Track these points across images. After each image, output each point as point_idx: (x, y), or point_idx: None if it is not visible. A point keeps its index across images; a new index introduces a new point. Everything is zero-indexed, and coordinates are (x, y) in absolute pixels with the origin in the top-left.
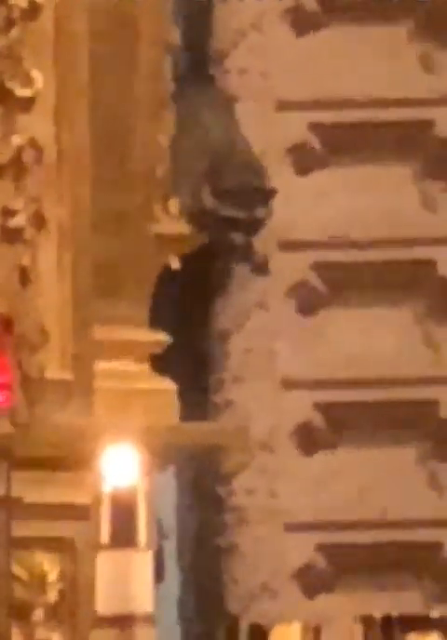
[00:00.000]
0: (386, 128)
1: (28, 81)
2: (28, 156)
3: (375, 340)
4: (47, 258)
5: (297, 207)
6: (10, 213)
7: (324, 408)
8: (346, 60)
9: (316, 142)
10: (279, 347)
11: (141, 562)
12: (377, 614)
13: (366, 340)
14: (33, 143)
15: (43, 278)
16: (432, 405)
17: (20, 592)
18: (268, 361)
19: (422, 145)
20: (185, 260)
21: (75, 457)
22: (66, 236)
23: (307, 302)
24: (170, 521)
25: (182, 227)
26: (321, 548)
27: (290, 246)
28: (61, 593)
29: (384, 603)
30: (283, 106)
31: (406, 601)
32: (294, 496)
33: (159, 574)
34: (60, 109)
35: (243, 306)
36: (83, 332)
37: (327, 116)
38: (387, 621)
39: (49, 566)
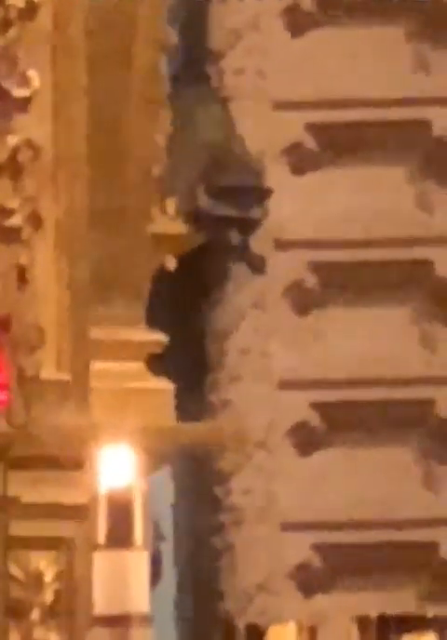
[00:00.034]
0: (382, 128)
1: (25, 81)
2: (25, 156)
3: (372, 340)
4: (44, 257)
5: (293, 207)
6: (7, 213)
7: (321, 408)
8: (343, 61)
9: (312, 142)
10: (276, 347)
11: (137, 562)
12: (373, 614)
13: (363, 340)
14: (29, 143)
15: (40, 278)
16: (429, 404)
17: (16, 591)
18: (265, 361)
19: (418, 145)
20: (182, 259)
21: (72, 457)
22: (63, 236)
23: (304, 302)
24: (167, 521)
25: (179, 227)
26: (318, 548)
27: (286, 245)
28: (58, 593)
29: (380, 603)
30: (279, 106)
31: (402, 601)
32: (291, 496)
33: (156, 574)
34: (56, 109)
35: (239, 306)
36: (80, 332)
37: (323, 116)
38: (383, 621)
39: (46, 565)
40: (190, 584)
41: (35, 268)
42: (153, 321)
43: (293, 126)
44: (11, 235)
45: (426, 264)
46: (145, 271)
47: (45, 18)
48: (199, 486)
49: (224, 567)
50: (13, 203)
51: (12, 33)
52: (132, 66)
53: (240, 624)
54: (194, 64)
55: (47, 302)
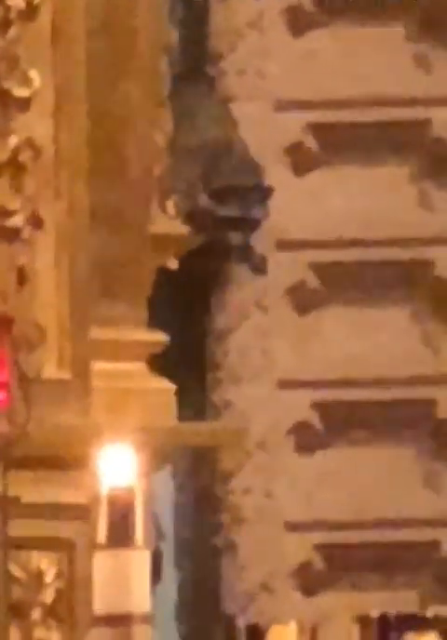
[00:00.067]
0: (383, 128)
1: (25, 81)
2: (25, 156)
3: (373, 340)
4: (45, 257)
5: (294, 207)
6: (8, 213)
7: (321, 408)
8: (344, 61)
9: (313, 142)
10: (277, 346)
11: (138, 561)
12: (374, 613)
13: (363, 340)
14: (30, 143)
15: (40, 278)
16: (430, 404)
17: (17, 591)
18: (266, 360)
19: (419, 145)
20: (183, 260)
21: (73, 456)
22: (64, 236)
23: (305, 302)
24: (168, 521)
25: (180, 227)
26: (318, 547)
27: (287, 245)
28: (59, 593)
29: (381, 602)
30: (281, 106)
31: (403, 600)
32: (292, 495)
33: (157, 574)
34: (57, 109)
35: (241, 306)
36: (80, 332)
37: (324, 116)
38: (384, 621)
39: (47, 565)
40: (191, 584)
41: (36, 268)
42: (154, 321)
43: (294, 126)
44: (12, 235)
45: (426, 264)
46: (146, 271)
47: (45, 18)
48: (200, 485)
49: (225, 567)
50: (14, 203)
51: (12, 33)
52: (133, 66)
53: (241, 624)
54: (194, 64)
55: (47, 302)
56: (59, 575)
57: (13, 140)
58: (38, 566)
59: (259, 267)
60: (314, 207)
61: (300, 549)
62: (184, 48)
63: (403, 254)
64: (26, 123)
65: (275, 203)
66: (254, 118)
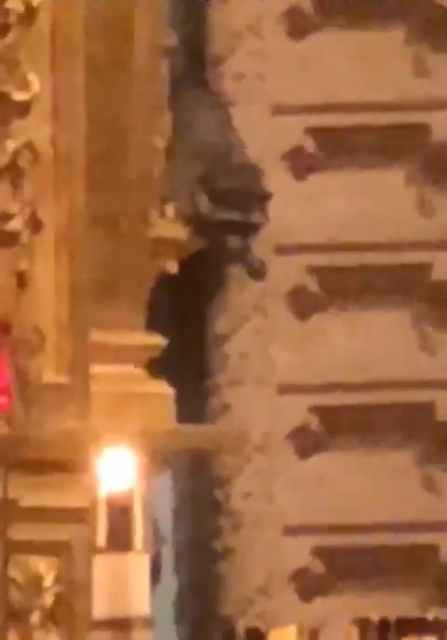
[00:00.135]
0: (381, 132)
1: (24, 85)
2: (24, 160)
3: (372, 344)
4: (44, 261)
5: (294, 211)
6: (7, 217)
7: (321, 412)
8: (343, 64)
9: (312, 146)
10: (276, 350)
11: (137, 565)
12: (374, 617)
13: (362, 344)
14: (29, 147)
15: (39, 282)
16: (428, 408)
17: (16, 595)
18: (265, 364)
19: (417, 149)
20: (182, 264)
21: (72, 460)
22: (63, 240)
23: (304, 306)
24: (167, 524)
25: (179, 231)
26: (318, 551)
27: (286, 249)
28: (58, 597)
29: (380, 606)
30: (279, 110)
31: (403, 604)
32: (291, 499)
33: (156, 578)
34: (56, 113)
35: (240, 310)
36: (80, 336)
37: (323, 120)
38: (384, 624)
39: (46, 569)
40: (190, 588)
41: (35, 272)
42: (153, 325)
43: (293, 130)
44: (11, 239)
45: (425, 268)
46: (145, 275)
47: (44, 21)
48: (199, 489)
49: (225, 571)
50: (13, 207)
51: (12, 36)
52: (132, 70)
53: (240, 628)
54: (194, 68)
55: (47, 306)
56: (58, 579)
57: (12, 144)
58: (37, 569)
59: (258, 271)
60: (313, 211)
61: (299, 552)
62: (183, 52)
63: (402, 258)
64: (25, 127)
65: (274, 207)
66: (253, 122)
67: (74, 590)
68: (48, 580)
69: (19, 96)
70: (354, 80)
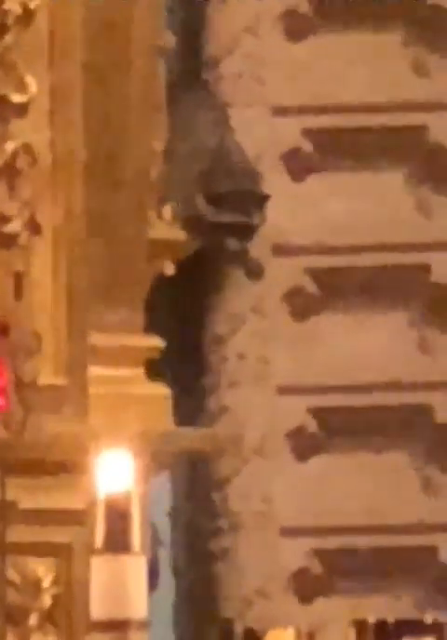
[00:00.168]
0: (379, 133)
1: (22, 86)
2: (22, 162)
3: (370, 345)
4: (42, 263)
5: (291, 213)
6: (5, 219)
7: (319, 413)
8: (341, 66)
9: (310, 148)
10: (274, 352)
11: (135, 567)
12: (371, 619)
13: (360, 345)
14: (27, 149)
15: (37, 284)
16: (426, 410)
17: (14, 597)
18: (263, 366)
19: (416, 150)
20: (180, 265)
21: (70, 462)
22: (61, 242)
23: (302, 307)
24: (165, 526)
25: (177, 233)
26: (315, 553)
27: (284, 251)
28: (56, 599)
29: (378, 607)
30: (277, 111)
31: (401, 605)
32: (288, 501)
33: (154, 580)
34: (54, 114)
35: (238, 311)
36: (77, 337)
37: (321, 122)
38: (382, 626)
39: (44, 571)
40: (188, 589)
41: (33, 274)
42: (151, 326)
43: (291, 132)
44: (9, 241)
45: (423, 269)
46: (143, 276)
47: (42, 23)
48: (197, 491)
49: (222, 572)
50: (11, 209)
51: (9, 38)
52: (130, 71)
53: (238, 629)
54: (192, 70)
55: (44, 308)
56: (56, 580)
57: (10, 146)
58: (35, 571)
59: (256, 272)
60: (311, 213)
61: (297, 554)
62: (181, 54)
63: (400, 259)
64: (23, 128)
65: (272, 208)
66: (251, 123)
67: (72, 591)
68: (46, 582)
69: (16, 98)
70: (352, 81)
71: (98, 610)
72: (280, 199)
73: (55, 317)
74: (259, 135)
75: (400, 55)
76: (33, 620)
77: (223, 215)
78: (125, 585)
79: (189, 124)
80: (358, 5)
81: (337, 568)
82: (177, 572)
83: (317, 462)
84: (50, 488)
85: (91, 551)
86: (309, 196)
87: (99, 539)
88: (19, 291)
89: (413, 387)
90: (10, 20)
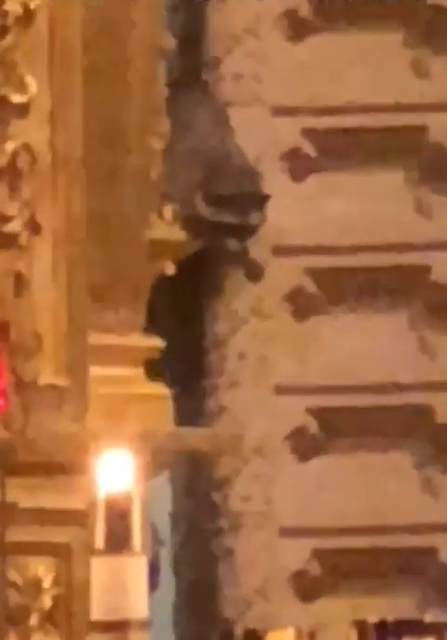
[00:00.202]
0: (379, 134)
1: (22, 87)
2: (23, 162)
3: (370, 346)
4: (42, 263)
5: (291, 213)
6: (5, 219)
7: (319, 414)
8: (340, 67)
9: (310, 148)
10: (274, 352)
11: (135, 567)
12: (372, 619)
13: (361, 346)
14: (27, 149)
15: (38, 284)
16: (427, 410)
17: (15, 597)
18: (263, 366)
19: (415, 151)
20: (180, 265)
21: (70, 462)
22: (61, 242)
23: (302, 308)
24: (165, 526)
25: (177, 233)
26: (316, 553)
27: (284, 251)
28: (56, 599)
29: (379, 608)
30: (277, 112)
31: (401, 606)
32: (289, 501)
33: (154, 580)
34: (54, 114)
35: (238, 312)
36: (78, 338)
37: (321, 122)
38: (382, 626)
39: (44, 571)
40: (188, 590)
41: (33, 274)
42: (151, 327)
43: (291, 132)
44: (9, 241)
45: (423, 269)
46: (143, 277)
47: (42, 24)
48: (198, 491)
49: (223, 573)
50: (11, 209)
51: (9, 39)
52: (130, 72)
53: (239, 630)
54: (192, 70)
55: (45, 308)
56: (56, 581)
57: (10, 146)
58: (36, 571)
59: (256, 273)
60: (311, 213)
61: (297, 555)
62: (181, 54)
63: (400, 259)
64: (23, 128)
65: (272, 208)
66: (251, 124)
67: (73, 592)
68: (47, 582)
69: (16, 98)
70: (352, 82)
71: (98, 610)
72: (280, 199)
73: (55, 317)
74: (259, 135)
75: (400, 55)
76: (33, 620)
77: (224, 215)
78: (125, 585)
79: (189, 124)
80: (358, 5)
81: (338, 569)
82: (177, 572)
83: (317, 463)
84: (50, 489)
85: (92, 551)
86: (309, 196)
87: (99, 539)
88: (19, 291)
89: (414, 387)
90: (10, 21)
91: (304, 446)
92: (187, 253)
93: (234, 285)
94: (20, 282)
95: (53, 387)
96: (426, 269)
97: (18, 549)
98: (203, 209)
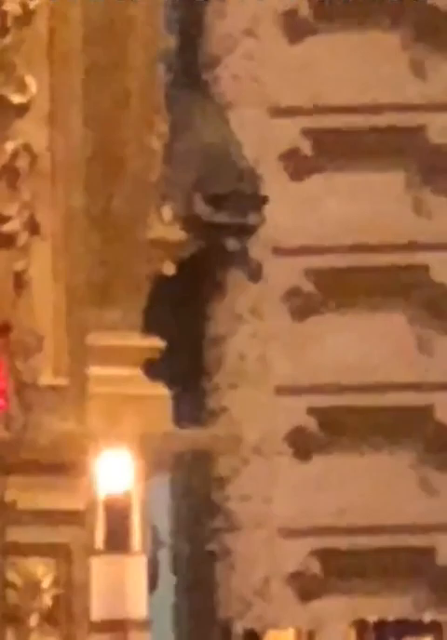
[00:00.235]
0: (378, 134)
1: (22, 87)
2: (22, 162)
3: (369, 346)
4: (42, 263)
5: (290, 213)
6: (4, 219)
7: (318, 413)
8: (339, 66)
9: (309, 148)
10: (273, 352)
11: (135, 567)
12: (371, 619)
13: (360, 346)
14: (27, 149)
15: (37, 284)
16: (426, 410)
17: (14, 597)
18: (262, 366)
19: (414, 151)
20: (179, 265)
21: (70, 462)
22: (60, 242)
23: (301, 308)
24: (165, 526)
25: (176, 233)
26: (315, 553)
27: (283, 251)
28: (56, 599)
29: (377, 607)
30: (276, 112)
31: (400, 605)
32: (288, 501)
33: (153, 582)
34: (53, 115)
35: (236, 312)
36: (77, 338)
37: (320, 122)
38: (381, 626)
39: (44, 571)
40: (187, 589)
41: (33, 274)
42: (150, 327)
43: (290, 132)
44: (9, 241)
45: (422, 269)
46: (142, 276)
47: (41, 24)
48: (197, 491)
49: (222, 573)
50: (10, 209)
51: (9, 39)
52: (129, 72)
53: (238, 629)
54: (191, 70)
55: (44, 308)
56: (56, 581)
57: (10, 146)
58: (35, 571)
59: (255, 273)
60: (310, 213)
61: (297, 554)
62: (181, 55)
63: (399, 259)
64: (23, 129)
65: (271, 209)
66: (250, 124)
67: (73, 592)
68: (46, 582)
69: (16, 98)
70: (351, 82)
71: (98, 610)
72: (279, 199)
73: (54, 317)
74: (258, 135)
75: (399, 56)
76: (33, 620)
77: (223, 215)
78: (125, 585)
79: (189, 124)
80: (357, 6)
81: (337, 569)
82: (177, 572)
83: (316, 463)
84: (50, 489)
85: (91, 551)
86: (308, 197)
87: (99, 539)
88: (18, 291)
89: (413, 387)
90: (10, 21)
91: (303, 445)
92: (187, 253)
93: (233, 285)
94: (19, 282)
95: (53, 387)
96: (425, 269)
97: (17, 549)
98: (202, 209)
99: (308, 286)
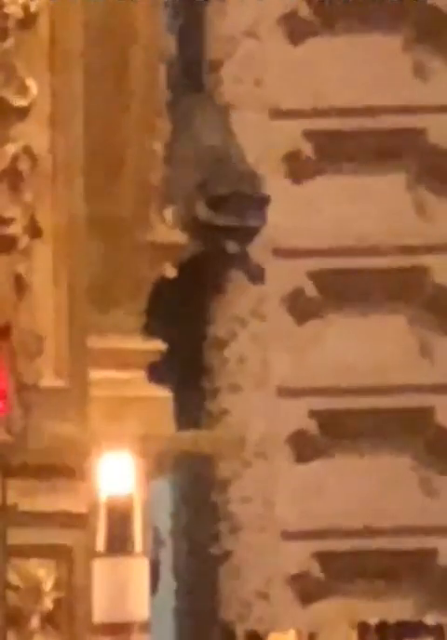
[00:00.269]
0: (380, 136)
1: (23, 90)
2: (23, 165)
3: (371, 348)
4: (43, 266)
5: (292, 215)
6: (5, 222)
7: (320, 416)
8: (341, 68)
9: (310, 150)
10: (275, 355)
11: (137, 570)
12: (372, 621)
13: (362, 348)
14: (28, 152)
15: (38, 286)
16: (427, 412)
17: (15, 600)
18: (264, 369)
19: (416, 153)
20: (180, 268)
21: (71, 465)
22: (61, 245)
23: (303, 310)
24: (166, 529)
25: (177, 236)
26: (317, 555)
27: (285, 253)
28: (57, 602)
29: (379, 609)
30: (278, 114)
31: (401, 607)
32: (290, 504)
33: (154, 584)
34: (55, 117)
35: (238, 314)
36: (78, 340)
37: (321, 124)
38: (383, 628)
39: (45, 574)
40: (189, 592)
41: (34, 276)
42: (151, 329)
43: (291, 135)
44: (9, 244)
45: (424, 272)
46: (144, 279)
47: (42, 27)
48: (198, 494)
49: (223, 575)
50: (12, 211)
51: (10, 42)
52: (130, 75)
53: (239, 631)
54: (192, 72)
55: (45, 311)
56: (57, 583)
57: (11, 149)
58: (37, 574)
59: (256, 275)
60: (312, 215)
61: (298, 557)
62: (181, 57)
63: (401, 262)
64: (24, 132)
65: (272, 211)
66: (251, 126)
67: (74, 594)
68: (48, 585)
69: (17, 101)
70: (352, 84)
71: (100, 613)
72: (281, 202)
73: (56, 320)
74: (259, 138)
75: (401, 58)
76: (34, 623)
77: (224, 218)
78: (127, 588)
79: (189, 127)
80: (358, 7)
81: (338, 571)
82: (178, 574)
83: (318, 465)
84: (51, 491)
85: (93, 554)
86: (310, 199)
87: (100, 541)
88: (19, 294)
89: (414, 390)
90: (11, 24)
91: (304, 448)
92: (187, 256)
93: (234, 287)
94: (20, 285)
95: (54, 389)
96: (427, 271)
97: (18, 552)
98: (204, 212)
99: (310, 289)
